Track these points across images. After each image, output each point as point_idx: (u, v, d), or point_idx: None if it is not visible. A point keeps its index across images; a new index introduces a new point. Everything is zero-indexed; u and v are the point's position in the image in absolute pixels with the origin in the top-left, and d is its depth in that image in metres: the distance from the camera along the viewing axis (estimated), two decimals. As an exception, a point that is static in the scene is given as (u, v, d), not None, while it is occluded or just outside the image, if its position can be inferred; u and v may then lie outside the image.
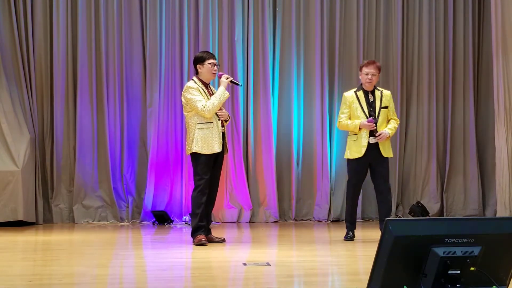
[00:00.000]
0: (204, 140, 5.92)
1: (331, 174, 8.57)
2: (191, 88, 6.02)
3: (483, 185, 8.88)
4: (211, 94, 6.09)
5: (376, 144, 6.16)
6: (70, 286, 3.77)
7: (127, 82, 8.42)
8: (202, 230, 5.88)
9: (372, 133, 6.15)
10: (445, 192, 8.81)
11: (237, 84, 6.33)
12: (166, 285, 3.83)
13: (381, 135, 6.13)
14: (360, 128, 6.13)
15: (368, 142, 6.14)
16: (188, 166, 8.28)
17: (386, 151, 6.23)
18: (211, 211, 6.20)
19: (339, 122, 6.32)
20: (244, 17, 8.56)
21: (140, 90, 8.48)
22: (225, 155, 6.25)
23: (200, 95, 5.98)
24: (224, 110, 6.15)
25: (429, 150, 8.84)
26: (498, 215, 7.94)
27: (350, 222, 6.28)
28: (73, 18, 8.35)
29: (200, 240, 5.81)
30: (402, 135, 8.83)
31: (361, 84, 6.30)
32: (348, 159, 6.30)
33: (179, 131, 8.38)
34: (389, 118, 6.31)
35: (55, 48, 8.26)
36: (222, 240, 6.04)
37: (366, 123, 6.10)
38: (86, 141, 8.31)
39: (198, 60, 6.14)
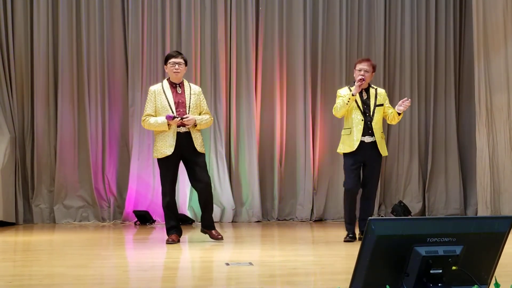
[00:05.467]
0: (156, 145, 5.87)
1: (314, 174, 8.57)
2: (149, 91, 5.96)
3: (464, 184, 8.94)
4: (181, 93, 5.89)
5: (374, 142, 6.01)
6: (50, 287, 3.73)
7: (108, 81, 8.37)
8: (173, 231, 5.92)
9: (367, 131, 5.99)
10: (427, 192, 8.86)
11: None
12: (148, 285, 3.80)
13: (406, 103, 5.94)
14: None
15: (363, 141, 5.96)
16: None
17: (383, 149, 6.08)
18: (208, 211, 6.05)
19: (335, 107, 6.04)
20: (226, 17, 8.54)
21: (122, 89, 8.42)
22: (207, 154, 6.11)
23: (151, 102, 5.84)
24: (190, 118, 5.73)
25: (411, 150, 8.88)
26: (479, 214, 8.00)
27: (348, 223, 6.10)
28: (54, 16, 8.28)
29: (168, 240, 5.87)
30: (384, 135, 8.85)
31: (355, 81, 6.10)
32: (344, 154, 6.08)
33: (161, 131, 8.32)
34: (390, 112, 6.14)
35: (36, 47, 8.18)
36: (220, 238, 5.97)
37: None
38: (67, 140, 8.24)
39: (164, 61, 6.03)
